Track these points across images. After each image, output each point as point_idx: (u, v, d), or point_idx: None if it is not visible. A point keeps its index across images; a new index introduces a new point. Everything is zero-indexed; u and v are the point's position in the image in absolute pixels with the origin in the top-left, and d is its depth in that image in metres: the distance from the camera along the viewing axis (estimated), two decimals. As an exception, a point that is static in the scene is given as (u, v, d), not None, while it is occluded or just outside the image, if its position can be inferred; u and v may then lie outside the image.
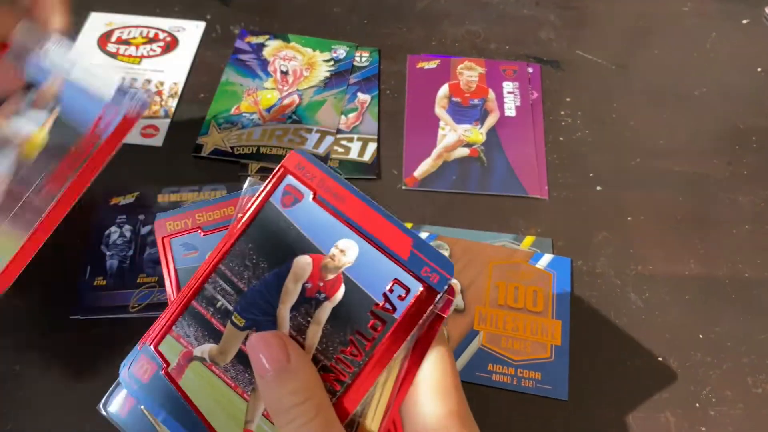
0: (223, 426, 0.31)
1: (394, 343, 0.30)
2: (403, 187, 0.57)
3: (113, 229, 0.53)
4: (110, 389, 0.33)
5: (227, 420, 0.31)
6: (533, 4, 0.73)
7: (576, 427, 0.46)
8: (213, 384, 0.31)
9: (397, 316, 0.30)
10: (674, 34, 0.71)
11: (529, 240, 0.55)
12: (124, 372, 0.32)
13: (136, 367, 0.33)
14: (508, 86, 0.65)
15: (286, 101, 0.62)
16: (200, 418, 0.31)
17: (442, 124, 0.62)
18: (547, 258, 0.53)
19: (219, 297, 0.32)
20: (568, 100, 0.65)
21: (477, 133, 0.61)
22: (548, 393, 0.47)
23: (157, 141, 0.59)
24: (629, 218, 0.57)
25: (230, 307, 0.32)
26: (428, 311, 0.30)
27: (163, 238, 0.37)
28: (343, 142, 0.60)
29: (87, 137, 0.39)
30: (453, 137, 0.60)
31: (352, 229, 0.31)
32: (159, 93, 0.62)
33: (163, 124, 0.60)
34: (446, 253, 0.53)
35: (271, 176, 0.32)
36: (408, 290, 0.30)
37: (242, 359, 0.31)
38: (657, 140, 0.62)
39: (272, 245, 0.32)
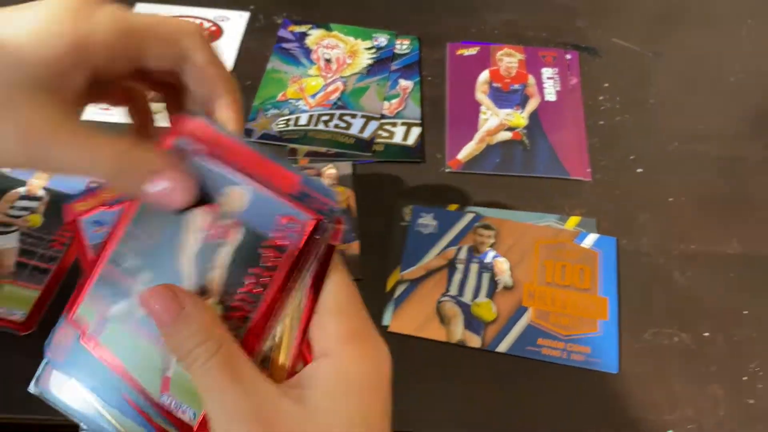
0: (146, 379, 0.32)
1: (290, 275, 0.32)
2: (447, 170, 0.59)
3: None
4: (39, 369, 0.34)
5: (149, 372, 0.32)
6: (568, -7, 0.74)
7: (627, 398, 0.47)
8: (131, 340, 0.33)
9: (291, 248, 0.32)
10: (709, 21, 0.72)
11: (573, 220, 0.56)
12: (47, 350, 0.34)
13: (57, 340, 0.34)
14: (547, 72, 0.66)
15: (331, 88, 0.64)
16: (124, 376, 0.33)
17: (483, 108, 0.63)
18: (592, 237, 0.55)
19: (128, 257, 0.34)
20: (606, 85, 0.66)
21: (519, 117, 0.62)
22: (598, 366, 0.48)
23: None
24: (670, 199, 0.58)
25: (139, 264, 0.33)
26: (321, 244, 0.32)
27: (72, 221, 0.38)
28: (388, 127, 0.61)
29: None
30: (495, 121, 0.62)
31: (241, 175, 0.33)
32: (207, 80, 0.63)
33: (213, 110, 0.61)
34: (492, 234, 0.54)
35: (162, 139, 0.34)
36: (299, 223, 0.32)
37: None
38: (695, 124, 0.63)
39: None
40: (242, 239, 0.32)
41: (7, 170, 0.56)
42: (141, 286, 0.33)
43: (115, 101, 0.39)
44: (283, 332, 0.32)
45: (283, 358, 0.32)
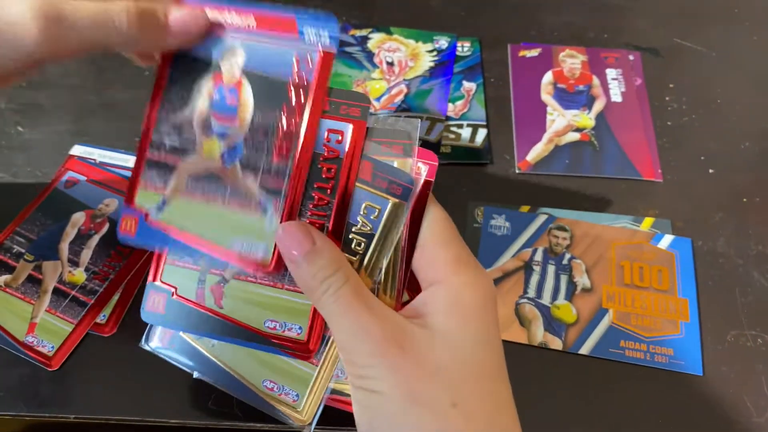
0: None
1: (378, 258, 0.34)
2: (517, 171, 0.58)
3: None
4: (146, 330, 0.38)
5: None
6: (626, -6, 0.74)
7: (713, 401, 0.47)
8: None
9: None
10: (772, 20, 0.71)
11: (648, 221, 0.55)
12: (143, 315, 0.37)
13: (149, 304, 0.37)
14: (611, 73, 0.65)
15: (395, 91, 0.64)
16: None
17: (549, 109, 0.62)
18: (667, 239, 0.54)
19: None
20: (671, 86, 0.65)
21: (586, 118, 0.62)
22: (682, 368, 0.48)
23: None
24: (744, 200, 0.57)
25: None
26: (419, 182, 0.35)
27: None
28: (453, 129, 0.61)
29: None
30: (562, 122, 0.61)
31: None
32: (272, 84, 0.64)
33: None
34: (567, 235, 0.54)
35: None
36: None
37: None
38: (764, 124, 0.62)
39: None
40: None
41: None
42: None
43: None
44: (388, 268, 0.35)
45: (390, 291, 0.35)
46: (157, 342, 0.39)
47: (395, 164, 0.35)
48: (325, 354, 0.36)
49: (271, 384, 0.36)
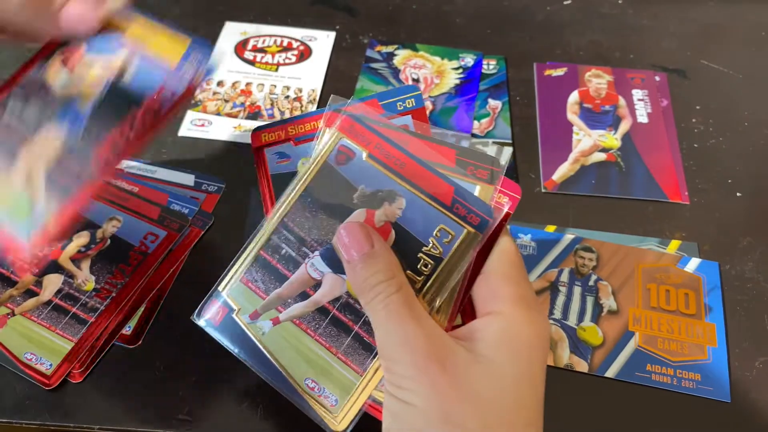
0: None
1: (442, 282, 0.35)
2: (543, 191, 0.58)
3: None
4: (201, 303, 0.38)
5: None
6: (652, 16, 0.74)
7: (741, 428, 0.46)
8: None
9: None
10: (800, 44, 0.71)
11: (674, 244, 0.55)
12: (196, 317, 0.37)
13: (208, 312, 0.37)
14: (637, 94, 0.65)
15: (420, 107, 0.64)
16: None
17: (575, 129, 0.62)
18: (695, 262, 0.53)
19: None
20: (697, 108, 0.65)
21: (612, 139, 0.61)
22: (710, 394, 0.47)
23: (301, 143, 0.61)
24: (772, 224, 0.57)
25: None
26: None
27: (257, 148, 0.41)
28: (479, 146, 0.61)
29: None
30: (588, 142, 0.61)
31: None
32: (299, 99, 0.64)
33: (305, 128, 0.62)
34: (593, 256, 0.54)
35: (321, 134, 0.38)
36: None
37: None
38: (792, 148, 0.62)
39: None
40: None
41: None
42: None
43: None
44: (448, 290, 0.35)
45: (444, 311, 0.35)
46: (207, 318, 0.38)
47: (477, 190, 0.35)
48: (371, 365, 0.36)
49: (312, 383, 0.36)
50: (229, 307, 0.37)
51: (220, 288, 0.37)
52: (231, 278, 0.37)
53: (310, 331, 0.36)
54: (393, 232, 0.35)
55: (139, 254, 0.51)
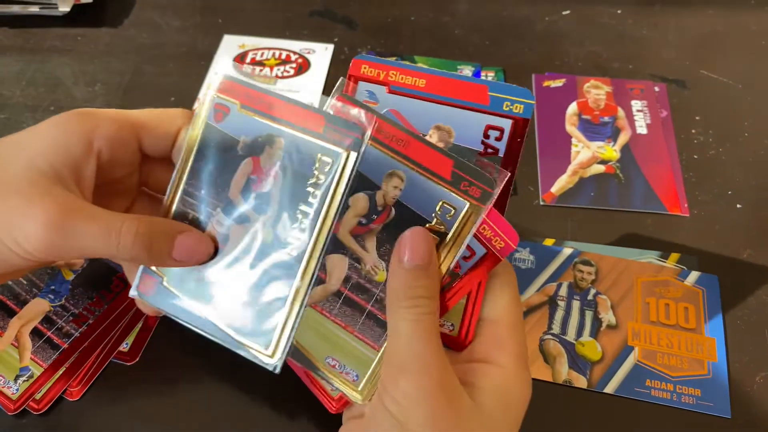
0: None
1: (446, 257, 0.35)
2: (542, 203, 0.58)
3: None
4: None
5: None
6: (651, 26, 0.74)
7: (742, 445, 0.46)
8: None
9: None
10: (800, 53, 0.70)
11: (674, 257, 0.54)
12: (133, 292, 0.39)
13: (143, 286, 0.39)
14: (636, 104, 0.65)
15: (418, 119, 0.64)
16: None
17: (574, 141, 0.62)
18: (694, 275, 0.53)
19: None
20: (697, 118, 0.65)
21: (611, 150, 0.61)
22: (710, 410, 0.47)
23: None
24: (773, 236, 0.56)
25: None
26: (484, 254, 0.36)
27: (351, 76, 0.40)
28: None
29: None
30: (587, 154, 0.61)
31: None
32: (297, 111, 0.64)
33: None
34: (592, 270, 0.53)
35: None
36: (455, 209, 0.35)
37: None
38: (792, 158, 0.62)
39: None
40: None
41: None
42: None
43: (127, 198, 0.42)
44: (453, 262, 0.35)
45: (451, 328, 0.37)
46: (141, 289, 0.40)
47: (466, 207, 0.35)
48: (385, 341, 0.36)
49: (333, 361, 0.37)
50: (158, 277, 0.39)
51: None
52: None
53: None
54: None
55: (122, 281, 0.51)
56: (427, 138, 0.36)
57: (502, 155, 0.36)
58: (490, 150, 0.37)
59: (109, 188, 0.40)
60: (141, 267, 0.39)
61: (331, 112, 0.36)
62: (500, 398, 0.34)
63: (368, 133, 0.35)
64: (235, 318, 0.37)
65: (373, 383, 0.36)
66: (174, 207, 0.38)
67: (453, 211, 0.35)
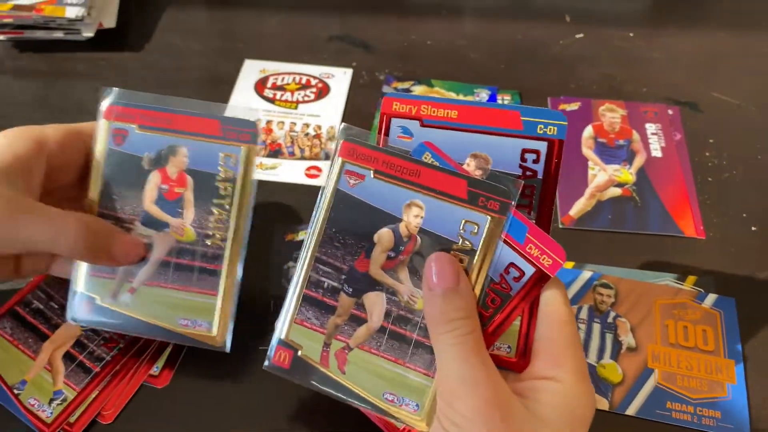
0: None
1: (479, 273, 0.36)
2: (561, 226, 0.59)
3: (291, 263, 0.56)
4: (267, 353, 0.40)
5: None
6: (662, 48, 0.75)
7: (763, 467, 0.47)
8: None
9: (476, 248, 0.36)
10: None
11: (691, 279, 0.55)
12: (267, 365, 0.40)
13: (276, 358, 0.39)
14: (650, 128, 0.66)
15: (437, 143, 0.65)
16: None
17: (590, 164, 0.63)
18: (711, 297, 0.54)
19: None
20: (711, 141, 0.66)
21: (627, 173, 0.62)
22: (730, 432, 0.48)
23: (321, 181, 0.62)
24: (788, 258, 0.57)
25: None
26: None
27: (384, 115, 0.40)
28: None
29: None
30: (604, 177, 0.62)
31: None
32: (318, 136, 0.65)
33: (325, 165, 0.63)
34: (612, 293, 0.54)
35: (331, 163, 0.39)
36: (477, 225, 0.36)
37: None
38: (806, 180, 0.63)
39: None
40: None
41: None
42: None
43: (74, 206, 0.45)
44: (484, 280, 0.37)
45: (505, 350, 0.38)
46: (276, 364, 0.40)
47: (488, 221, 0.36)
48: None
49: (391, 396, 0.38)
50: (293, 349, 0.39)
51: (281, 335, 0.40)
52: (285, 322, 0.40)
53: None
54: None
55: None
56: (465, 167, 0.38)
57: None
58: (529, 173, 0.38)
59: (60, 194, 0.44)
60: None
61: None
62: (564, 411, 0.34)
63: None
64: (179, 315, 0.43)
65: (435, 409, 0.37)
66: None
67: (476, 227, 0.36)
